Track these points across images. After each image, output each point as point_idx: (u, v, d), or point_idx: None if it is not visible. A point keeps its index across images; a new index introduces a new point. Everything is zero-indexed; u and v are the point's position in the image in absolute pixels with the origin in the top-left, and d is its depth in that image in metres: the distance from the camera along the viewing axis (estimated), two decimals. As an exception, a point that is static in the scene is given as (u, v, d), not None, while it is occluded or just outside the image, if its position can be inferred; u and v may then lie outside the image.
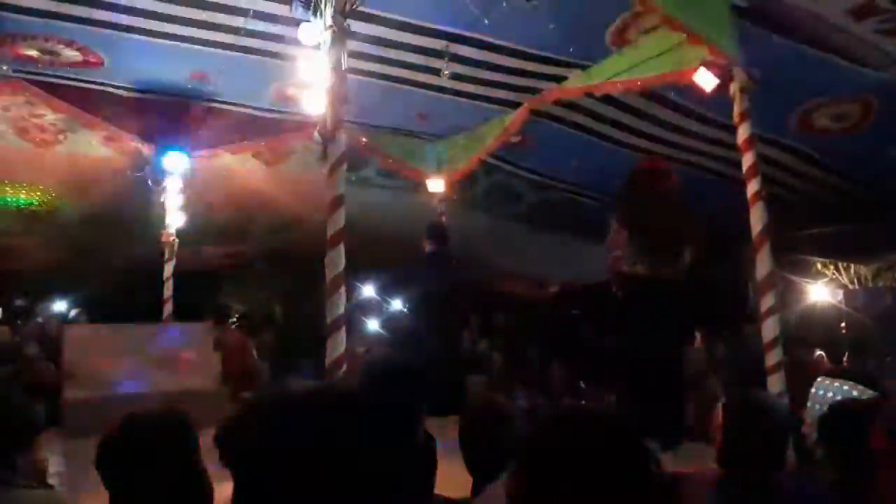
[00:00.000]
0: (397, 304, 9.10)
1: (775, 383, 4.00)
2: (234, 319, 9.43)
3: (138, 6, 4.59)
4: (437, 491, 2.02)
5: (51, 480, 2.42)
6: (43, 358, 6.93)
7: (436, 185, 7.45)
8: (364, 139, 6.57)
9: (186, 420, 2.05)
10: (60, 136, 6.36)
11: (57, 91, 5.69)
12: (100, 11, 4.63)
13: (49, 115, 5.98)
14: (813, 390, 3.32)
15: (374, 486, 0.98)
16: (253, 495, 0.99)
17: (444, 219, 7.31)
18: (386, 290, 10.95)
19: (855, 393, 3.27)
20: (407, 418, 1.67)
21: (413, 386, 2.06)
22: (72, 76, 5.52)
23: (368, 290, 11.04)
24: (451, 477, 2.66)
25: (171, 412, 2.06)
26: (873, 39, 4.56)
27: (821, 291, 8.56)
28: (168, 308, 6.71)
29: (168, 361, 5.57)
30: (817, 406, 3.19)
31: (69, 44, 5.08)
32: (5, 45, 5.00)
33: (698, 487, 2.59)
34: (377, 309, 10.10)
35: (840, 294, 8.94)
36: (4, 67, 5.23)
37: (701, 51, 4.22)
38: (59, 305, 11.02)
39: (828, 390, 3.24)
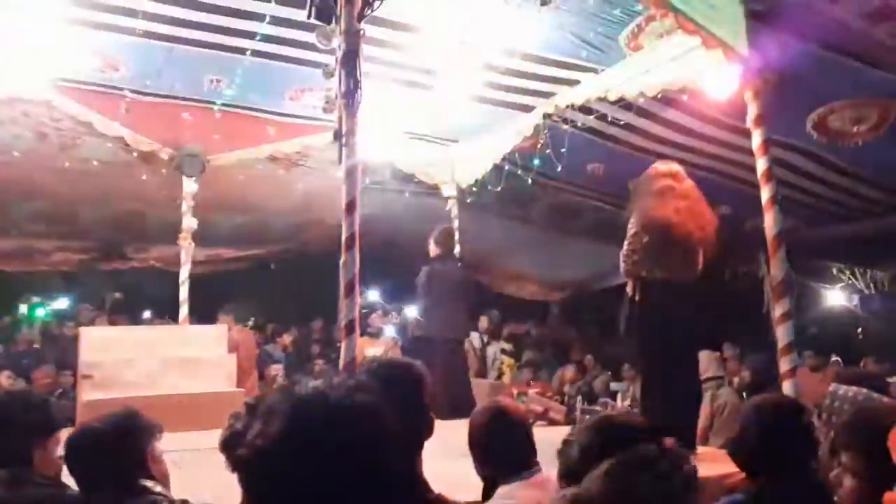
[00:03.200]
0: (409, 307, 9.11)
1: (789, 389, 3.97)
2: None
3: (155, 12, 4.64)
4: (447, 494, 2.02)
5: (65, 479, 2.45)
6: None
7: (449, 188, 7.47)
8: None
9: (135, 430, 2.24)
10: (79, 140, 6.42)
11: (76, 95, 5.76)
12: (118, 17, 4.68)
13: (68, 119, 6.04)
14: (828, 399, 3.26)
15: (380, 487, 0.97)
16: (260, 501, 0.98)
17: (455, 223, 7.33)
18: (398, 293, 11.00)
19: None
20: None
21: (416, 387, 2.08)
22: (90, 80, 5.58)
23: (381, 294, 11.08)
24: (462, 480, 2.67)
25: (120, 423, 2.24)
26: (891, 43, 4.52)
27: (837, 296, 8.48)
28: (184, 310, 6.77)
29: (184, 363, 5.62)
30: (833, 417, 3.13)
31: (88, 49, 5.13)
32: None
33: (719, 492, 2.58)
34: (390, 311, 10.13)
35: (856, 299, 8.85)
36: None
37: (716, 55, 4.20)
38: (77, 307, 11.14)
39: (844, 400, 3.17)
